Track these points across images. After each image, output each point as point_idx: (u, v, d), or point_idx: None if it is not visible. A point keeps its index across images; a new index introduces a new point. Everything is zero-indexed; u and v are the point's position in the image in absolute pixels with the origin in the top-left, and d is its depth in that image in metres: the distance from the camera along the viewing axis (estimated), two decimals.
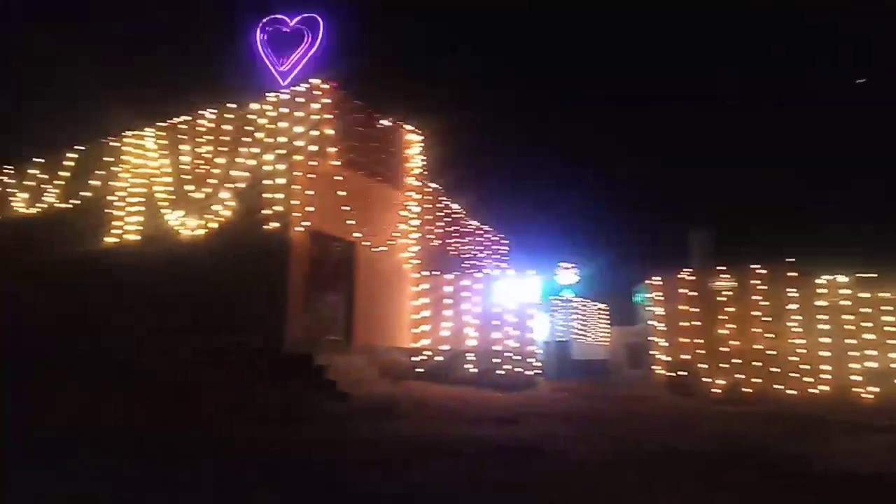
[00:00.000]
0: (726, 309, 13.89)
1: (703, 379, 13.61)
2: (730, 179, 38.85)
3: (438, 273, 14.06)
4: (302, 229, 11.45)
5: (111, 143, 14.05)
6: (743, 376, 13.44)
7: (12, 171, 15.78)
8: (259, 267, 11.28)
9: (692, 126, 39.95)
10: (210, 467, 5.60)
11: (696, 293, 14.14)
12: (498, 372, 12.72)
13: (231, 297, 11.27)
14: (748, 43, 38.89)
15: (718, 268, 14.25)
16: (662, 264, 15.53)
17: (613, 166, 43.51)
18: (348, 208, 12.37)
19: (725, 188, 36.44)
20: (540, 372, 13.61)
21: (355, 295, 12.51)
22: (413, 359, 13.27)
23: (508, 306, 13.13)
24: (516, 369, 12.74)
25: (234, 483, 5.10)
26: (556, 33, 41.13)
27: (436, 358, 13.22)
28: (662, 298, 14.64)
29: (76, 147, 14.75)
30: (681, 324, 14.15)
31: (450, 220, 16.82)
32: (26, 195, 15.28)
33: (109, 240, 13.22)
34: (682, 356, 14.01)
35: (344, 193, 12.32)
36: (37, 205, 14.96)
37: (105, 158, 13.99)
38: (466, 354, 13.04)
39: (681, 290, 14.27)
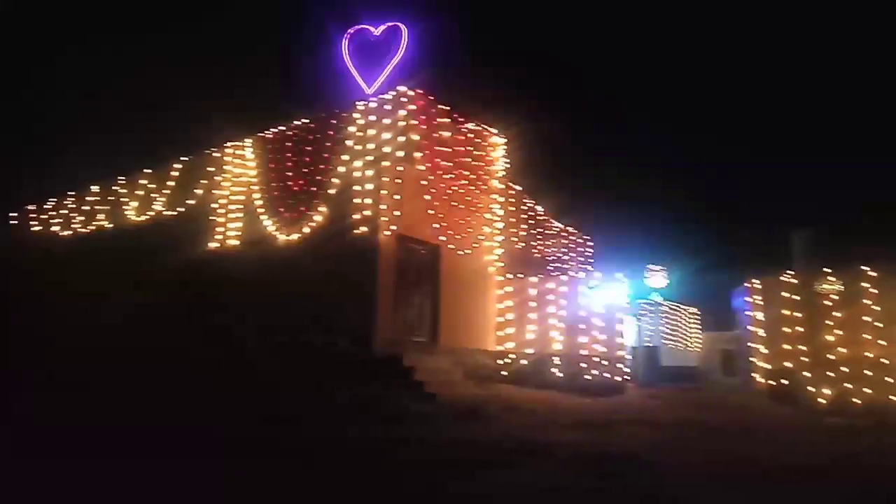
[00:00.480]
0: (833, 314, 12.99)
1: (807, 388, 12.78)
2: (836, 172, 36.34)
3: (523, 276, 13.98)
4: (389, 233, 11.72)
5: (213, 154, 14.95)
6: (851, 386, 12.52)
7: (124, 182, 17.08)
8: (349, 270, 11.65)
9: (794, 116, 37.68)
10: (300, 464, 5.76)
11: (799, 297, 13.32)
12: (585, 377, 12.50)
13: (324, 298, 11.69)
14: (850, 29, 36.25)
15: (824, 270, 13.36)
16: (762, 266, 14.71)
17: (707, 160, 41.62)
18: (433, 212, 12.55)
19: (832, 183, 34.13)
20: (628, 378, 13.26)
21: (440, 297, 12.67)
22: (498, 362, 13.28)
23: (595, 310, 12.86)
24: (604, 374, 12.46)
25: (326, 481, 5.24)
26: (643, 27, 39.98)
27: (521, 361, 13.16)
28: (762, 302, 13.87)
29: (181, 158, 15.79)
30: (782, 329, 13.35)
31: (534, 222, 16.70)
32: (136, 204, 16.50)
33: (212, 245, 14.06)
34: (784, 363, 13.22)
35: (429, 197, 12.51)
36: (146, 213, 16.11)
37: (207, 168, 14.90)
38: (552, 358, 12.89)
39: (783, 294, 13.48)
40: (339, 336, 11.26)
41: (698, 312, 23.00)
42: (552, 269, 16.33)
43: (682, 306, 22.02)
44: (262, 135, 14.21)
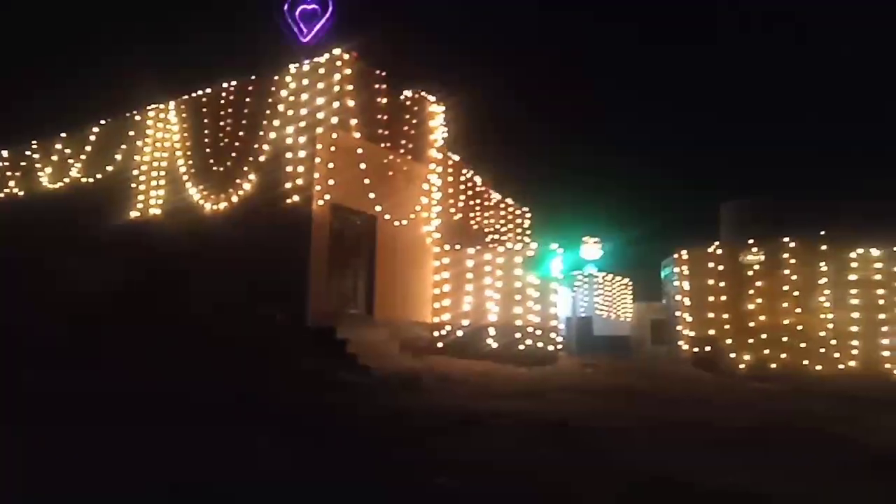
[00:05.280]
0: (756, 283, 13.61)
1: (730, 354, 13.41)
2: (765, 149, 37.98)
3: (460, 247, 13.94)
4: (323, 203, 11.38)
5: (134, 117, 14.07)
6: (769, 352, 13.22)
7: (36, 147, 15.92)
8: (282, 241, 11.26)
9: (727, 87, 38.79)
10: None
11: (724, 267, 13.88)
12: (520, 347, 12.66)
13: (255, 270, 11.28)
14: None
15: (749, 241, 13.93)
16: (690, 238, 15.20)
17: (640, 134, 42.57)
18: (369, 182, 12.26)
19: (760, 157, 35.66)
20: (561, 347, 13.52)
21: (376, 269, 12.48)
22: (434, 333, 13.26)
23: (530, 281, 12.98)
24: (538, 344, 12.65)
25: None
26: None
27: (457, 333, 13.18)
28: (689, 273, 14.38)
29: (100, 122, 14.81)
30: (708, 299, 13.91)
31: (472, 192, 16.63)
32: (51, 170, 15.43)
33: (133, 213, 13.31)
34: (709, 331, 13.80)
35: (365, 167, 12.21)
36: (62, 180, 15.09)
37: (128, 132, 14.02)
38: (488, 329, 12.98)
39: (709, 265, 14.00)
40: (271, 308, 10.90)
41: (630, 283, 23.67)
42: (489, 240, 16.37)
43: (615, 277, 22.60)
44: (187, 97, 13.46)
